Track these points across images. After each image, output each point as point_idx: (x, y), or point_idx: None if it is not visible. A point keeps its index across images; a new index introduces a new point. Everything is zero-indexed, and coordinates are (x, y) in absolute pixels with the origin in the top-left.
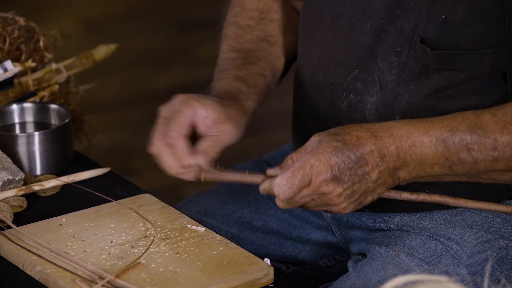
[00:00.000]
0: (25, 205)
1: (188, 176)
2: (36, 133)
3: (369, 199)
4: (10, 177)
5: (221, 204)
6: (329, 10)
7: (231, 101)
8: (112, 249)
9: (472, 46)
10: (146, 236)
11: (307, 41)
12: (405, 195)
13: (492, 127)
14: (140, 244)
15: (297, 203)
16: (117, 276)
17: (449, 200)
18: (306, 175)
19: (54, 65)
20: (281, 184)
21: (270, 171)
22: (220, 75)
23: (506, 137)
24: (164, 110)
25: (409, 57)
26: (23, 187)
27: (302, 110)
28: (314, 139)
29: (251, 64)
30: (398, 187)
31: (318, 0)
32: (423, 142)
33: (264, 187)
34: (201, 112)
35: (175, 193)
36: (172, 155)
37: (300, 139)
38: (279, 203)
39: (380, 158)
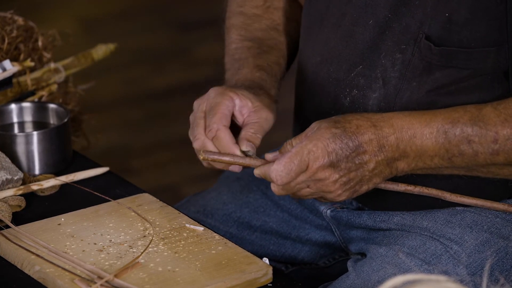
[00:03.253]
0: (23, 204)
1: (235, 167)
2: (35, 133)
3: (365, 188)
4: (9, 177)
5: (220, 204)
6: (336, 10)
7: (260, 90)
8: (110, 249)
9: (475, 44)
10: (144, 236)
11: (310, 38)
12: (402, 187)
13: (494, 120)
14: (139, 243)
15: (293, 189)
16: (115, 276)
17: (446, 195)
18: (303, 160)
19: (52, 65)
20: (279, 170)
21: (269, 156)
22: (236, 64)
23: (507, 130)
24: (200, 104)
25: (413, 54)
26: (22, 187)
27: (304, 106)
28: (313, 125)
29: (267, 53)
30: (396, 179)
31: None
32: (423, 134)
33: (259, 172)
34: (238, 103)
35: (174, 192)
36: (217, 147)
37: None
38: (274, 188)
39: (378, 147)
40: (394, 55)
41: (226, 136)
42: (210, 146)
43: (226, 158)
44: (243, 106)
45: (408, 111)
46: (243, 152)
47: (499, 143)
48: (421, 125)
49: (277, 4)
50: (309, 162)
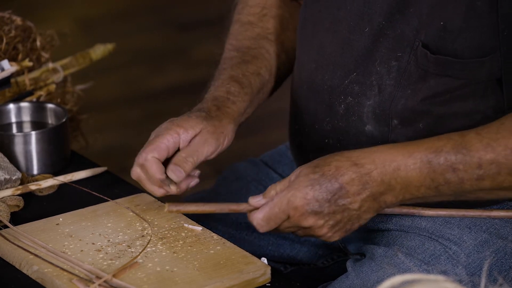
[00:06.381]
0: (22, 204)
1: (172, 191)
2: (33, 133)
3: (357, 225)
4: (7, 177)
5: None
6: (328, 14)
7: (218, 111)
8: (109, 249)
9: (469, 53)
10: (143, 236)
11: (305, 44)
12: (406, 210)
13: (476, 146)
14: (137, 243)
15: (283, 232)
16: (114, 276)
17: (454, 213)
18: (283, 211)
19: (50, 65)
20: (259, 218)
21: (252, 200)
22: (216, 75)
23: (491, 155)
24: (152, 134)
25: (409, 62)
26: (20, 187)
27: (299, 113)
28: (296, 170)
29: (247, 63)
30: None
31: (317, 3)
32: (407, 165)
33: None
34: (185, 137)
35: None
36: (145, 175)
37: (296, 141)
38: (258, 227)
39: (362, 185)
40: (389, 63)
41: (152, 166)
42: (143, 177)
43: (192, 208)
44: (190, 136)
45: (391, 144)
46: (167, 177)
47: (484, 168)
48: (404, 157)
49: (275, 11)
50: (289, 212)
